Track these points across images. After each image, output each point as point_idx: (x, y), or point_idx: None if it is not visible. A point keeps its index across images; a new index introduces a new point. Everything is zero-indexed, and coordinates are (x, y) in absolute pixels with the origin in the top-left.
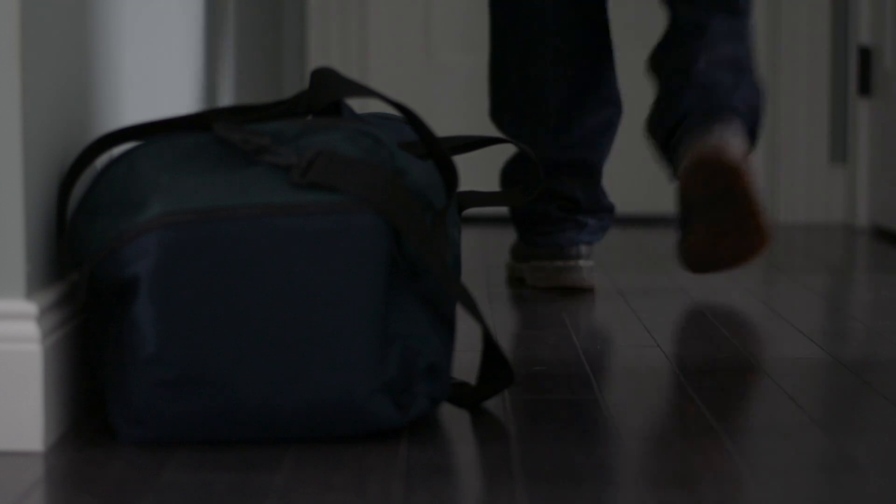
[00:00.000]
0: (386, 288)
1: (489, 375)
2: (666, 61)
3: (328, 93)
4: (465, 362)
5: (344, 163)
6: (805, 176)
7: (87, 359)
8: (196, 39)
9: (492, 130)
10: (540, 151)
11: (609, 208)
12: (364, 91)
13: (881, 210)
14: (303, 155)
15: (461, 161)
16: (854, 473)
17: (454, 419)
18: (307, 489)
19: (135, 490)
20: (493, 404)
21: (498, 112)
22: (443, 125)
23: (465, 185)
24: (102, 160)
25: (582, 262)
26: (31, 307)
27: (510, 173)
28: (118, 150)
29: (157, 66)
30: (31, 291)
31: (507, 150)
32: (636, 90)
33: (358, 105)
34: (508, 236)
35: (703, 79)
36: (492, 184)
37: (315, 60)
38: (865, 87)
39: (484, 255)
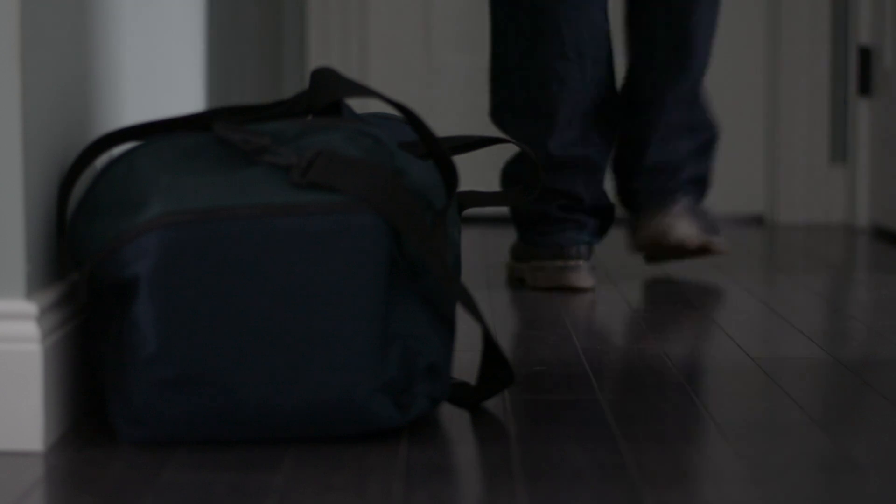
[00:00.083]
0: (386, 288)
1: (489, 375)
2: (623, 121)
3: (328, 93)
4: (465, 362)
5: (344, 163)
6: (805, 176)
7: (87, 359)
8: (196, 39)
9: (492, 130)
10: (541, 149)
11: (610, 208)
12: (364, 91)
13: (881, 210)
14: (303, 155)
15: (461, 161)
16: (854, 473)
17: (454, 419)
18: (307, 489)
19: (135, 490)
20: (493, 404)
21: (499, 112)
22: (443, 125)
23: (465, 185)
24: (102, 160)
25: (582, 263)
26: (31, 307)
27: (510, 173)
28: (118, 150)
29: (157, 66)
30: (31, 291)
31: (508, 150)
32: None
33: (358, 105)
34: (508, 236)
35: (655, 159)
36: (492, 184)
37: (315, 60)
38: (865, 87)
39: (484, 255)
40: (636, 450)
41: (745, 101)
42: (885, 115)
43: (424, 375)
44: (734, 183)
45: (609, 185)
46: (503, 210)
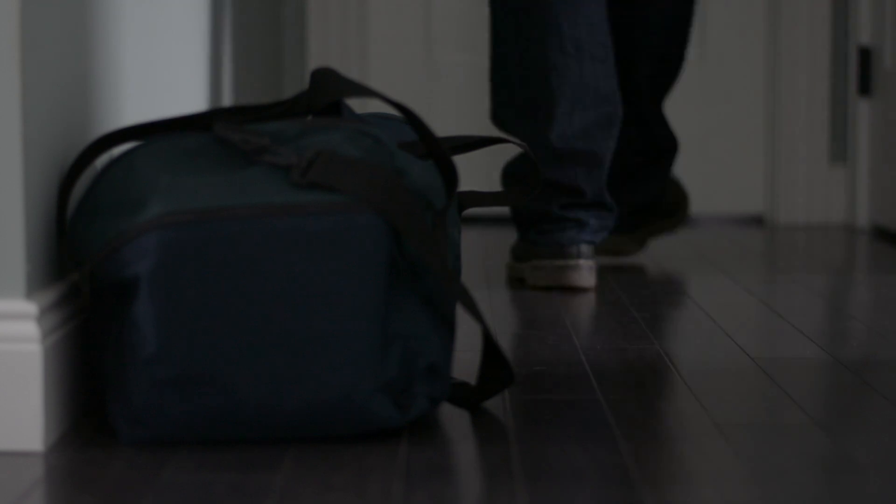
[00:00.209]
0: (386, 288)
1: (489, 375)
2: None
3: (328, 93)
4: (465, 362)
5: (344, 163)
6: (805, 176)
7: (87, 359)
8: (196, 40)
9: (492, 130)
10: (543, 143)
11: (611, 208)
12: (364, 91)
13: (881, 210)
14: (303, 155)
15: (461, 161)
16: (854, 473)
17: (454, 419)
18: (307, 489)
19: (135, 490)
20: (493, 404)
21: (500, 113)
22: (443, 125)
23: (465, 185)
24: (102, 160)
25: (582, 262)
26: (31, 307)
27: (511, 173)
28: (118, 150)
29: (157, 67)
30: (31, 291)
31: (508, 150)
32: None
33: (358, 105)
34: (508, 236)
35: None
36: (492, 184)
37: (315, 60)
38: (865, 87)
39: (484, 255)
40: (636, 450)
41: (745, 101)
42: (885, 115)
43: (424, 375)
44: (734, 183)
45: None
46: (503, 210)
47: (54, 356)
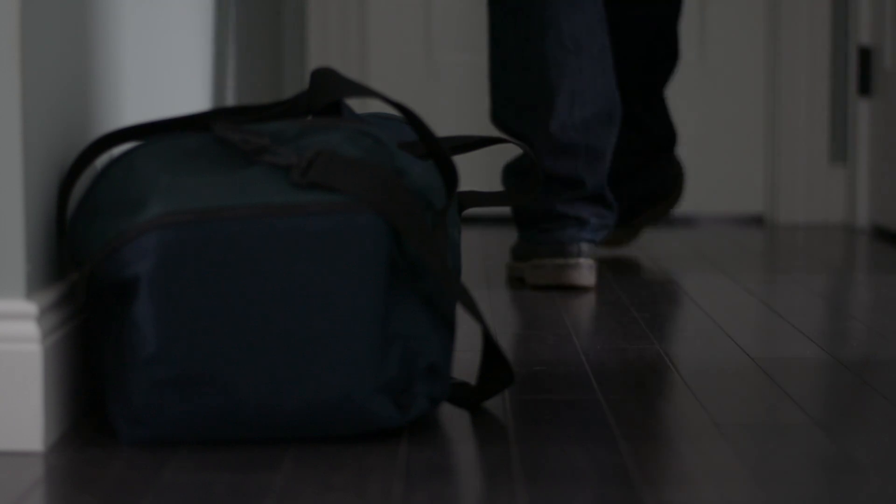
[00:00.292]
0: (386, 288)
1: (489, 375)
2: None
3: (328, 93)
4: (465, 362)
5: (344, 163)
6: (805, 176)
7: (87, 359)
8: (196, 40)
9: (492, 130)
10: (543, 137)
11: (611, 206)
12: (364, 91)
13: (881, 210)
14: (303, 155)
15: (461, 161)
16: (854, 473)
17: (454, 419)
18: (307, 489)
19: (135, 490)
20: (493, 404)
21: (499, 110)
22: (443, 125)
23: (465, 185)
24: (102, 160)
25: (583, 261)
26: (31, 307)
27: (512, 171)
28: (118, 150)
29: (157, 67)
30: (31, 291)
31: (508, 150)
32: None
33: (358, 105)
34: (508, 236)
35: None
36: (492, 184)
37: (315, 60)
38: (865, 87)
39: (484, 255)
40: (636, 450)
41: (745, 101)
42: (885, 115)
43: (424, 375)
44: (734, 183)
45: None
46: (503, 210)
47: (54, 356)
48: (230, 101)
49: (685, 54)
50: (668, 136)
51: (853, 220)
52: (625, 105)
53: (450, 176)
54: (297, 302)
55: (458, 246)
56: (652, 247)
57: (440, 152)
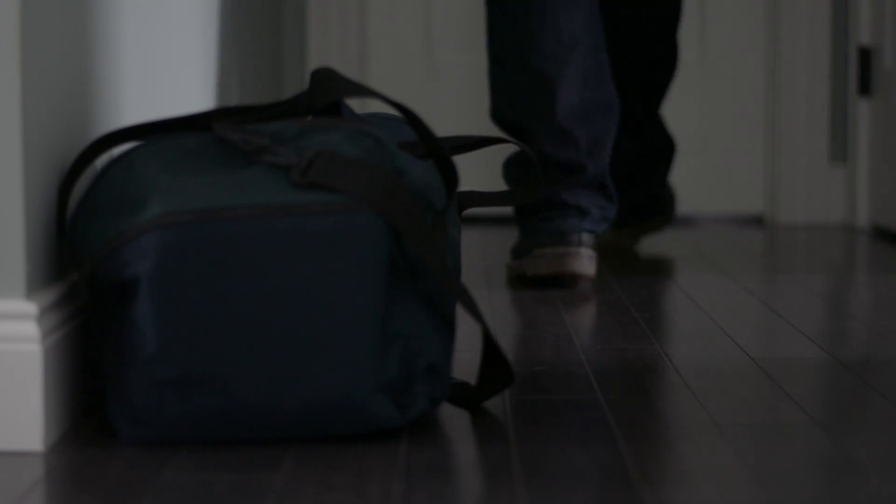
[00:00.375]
0: (386, 288)
1: (489, 375)
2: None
3: (328, 93)
4: (465, 362)
5: (344, 163)
6: (805, 176)
7: (87, 359)
8: (196, 40)
9: (492, 130)
10: (543, 124)
11: (612, 197)
12: (364, 91)
13: (881, 210)
14: (303, 155)
15: (461, 161)
16: (854, 473)
17: (454, 419)
18: (307, 489)
19: (135, 490)
20: (493, 404)
21: (499, 107)
22: (443, 125)
23: (465, 185)
24: (102, 160)
25: (583, 250)
26: (31, 307)
27: (513, 164)
28: (118, 150)
29: (157, 67)
30: (31, 291)
31: (508, 150)
32: None
33: (358, 105)
34: (508, 236)
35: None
36: (492, 184)
37: (315, 60)
38: (865, 87)
39: (484, 255)
40: (636, 450)
41: (745, 101)
42: (885, 115)
43: (424, 375)
44: (734, 183)
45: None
46: (503, 210)
47: (54, 356)
48: (230, 101)
49: (685, 54)
50: (667, 145)
51: (853, 220)
52: (625, 108)
53: (450, 176)
54: (297, 302)
55: (458, 246)
56: (652, 247)
57: (440, 152)
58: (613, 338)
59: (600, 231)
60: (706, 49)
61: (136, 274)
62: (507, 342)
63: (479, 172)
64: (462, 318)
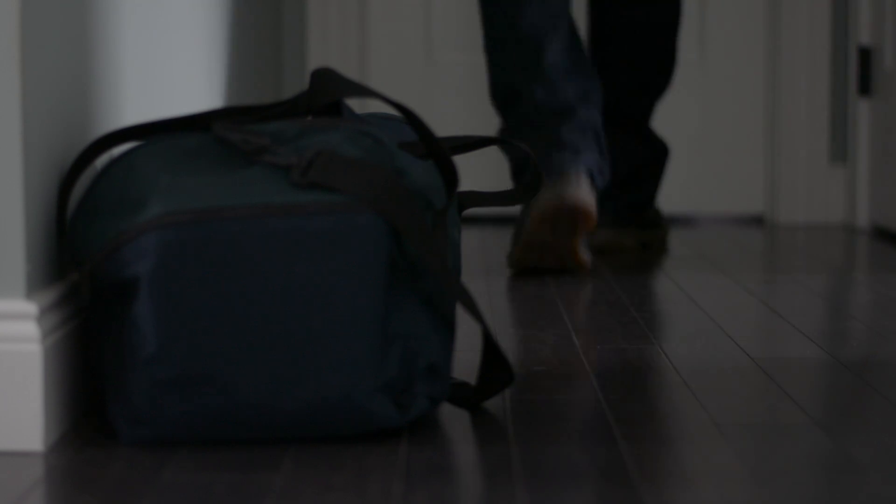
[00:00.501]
0: (386, 288)
1: (489, 375)
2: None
3: (328, 93)
4: (465, 362)
5: (344, 163)
6: (805, 176)
7: (87, 359)
8: (196, 40)
9: (492, 130)
10: (536, 78)
11: (604, 153)
12: (364, 91)
13: (881, 210)
14: (303, 155)
15: (461, 161)
16: (854, 473)
17: (454, 419)
18: (307, 489)
19: (135, 490)
20: (493, 404)
21: (493, 75)
22: (443, 125)
23: (465, 185)
24: (102, 160)
25: (583, 180)
26: (31, 307)
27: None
28: (118, 150)
29: (157, 67)
30: (31, 291)
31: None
32: None
33: (358, 105)
34: (508, 236)
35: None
36: (492, 184)
37: (315, 60)
38: (865, 87)
39: (484, 255)
40: (636, 450)
41: (745, 101)
42: (885, 115)
43: (424, 375)
44: (734, 183)
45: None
46: (503, 210)
47: (54, 356)
48: (230, 101)
49: (685, 54)
50: (660, 144)
51: (853, 220)
52: (624, 110)
53: (450, 176)
54: (297, 302)
55: (458, 246)
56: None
57: (440, 152)
58: (613, 338)
59: (597, 181)
60: (706, 49)
61: (136, 274)
62: (507, 342)
63: (479, 172)
64: (462, 318)
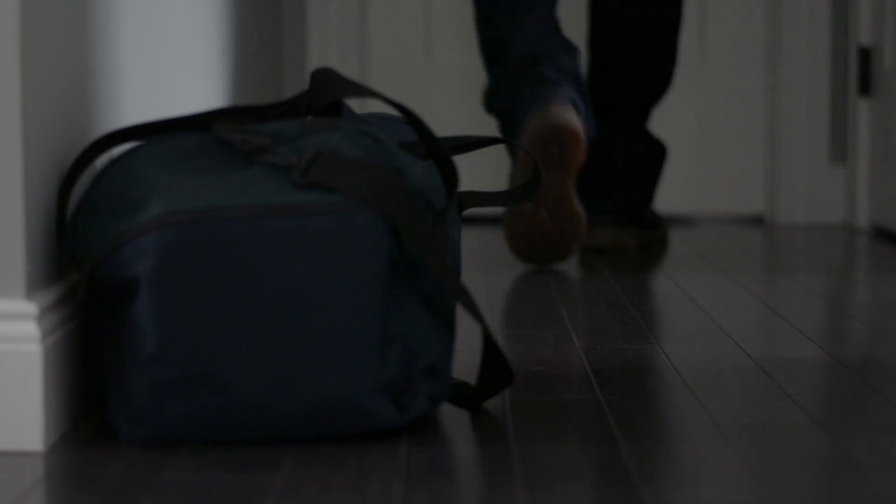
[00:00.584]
0: (386, 288)
1: (489, 375)
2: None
3: (328, 93)
4: (465, 362)
5: (344, 163)
6: (805, 176)
7: (87, 359)
8: (196, 40)
9: (492, 130)
10: (518, 33)
11: (587, 99)
12: (364, 91)
13: (881, 210)
14: (303, 155)
15: (461, 161)
16: (854, 473)
17: (454, 419)
18: (307, 489)
19: (135, 490)
20: (493, 404)
21: (481, 38)
22: (443, 125)
23: (465, 185)
24: (102, 160)
25: (569, 109)
26: (31, 307)
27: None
28: (118, 150)
29: (156, 67)
30: (31, 291)
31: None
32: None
33: (358, 105)
34: None
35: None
36: (492, 184)
37: (315, 60)
38: (865, 87)
39: (484, 255)
40: (636, 450)
41: (745, 101)
42: (885, 115)
43: (424, 375)
44: (734, 183)
45: None
46: (503, 210)
47: (54, 356)
48: (230, 101)
49: (685, 54)
50: (661, 147)
51: (853, 220)
52: (624, 110)
53: (450, 176)
54: (297, 302)
55: (458, 246)
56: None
57: (440, 152)
58: (613, 338)
59: (581, 114)
60: (706, 49)
61: (136, 274)
62: (507, 342)
63: (479, 172)
64: (462, 318)
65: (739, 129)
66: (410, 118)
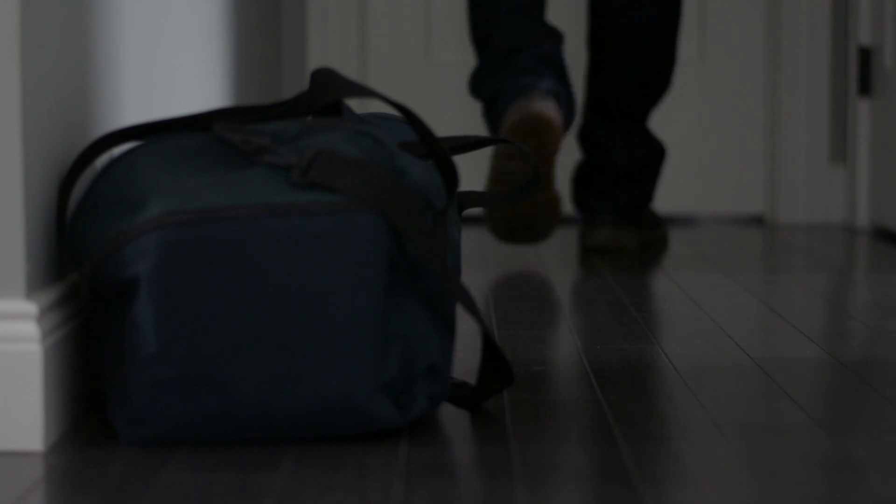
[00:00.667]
0: (386, 288)
1: (489, 375)
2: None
3: (328, 93)
4: (465, 362)
5: (344, 163)
6: (805, 176)
7: (87, 359)
8: (196, 39)
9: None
10: (501, 25)
11: (568, 82)
12: (364, 91)
13: (881, 210)
14: (303, 155)
15: (461, 161)
16: (854, 473)
17: (454, 419)
18: (307, 489)
19: (135, 490)
20: (493, 404)
21: (470, 24)
22: (443, 125)
23: (465, 185)
24: (102, 160)
25: (547, 100)
26: (31, 307)
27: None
28: (118, 150)
29: (157, 67)
30: (31, 291)
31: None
32: None
33: (358, 105)
34: None
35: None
36: None
37: (315, 60)
38: (865, 87)
39: (484, 254)
40: (636, 450)
41: (745, 101)
42: (885, 115)
43: (424, 375)
44: (734, 183)
45: None
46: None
47: (54, 356)
48: (230, 101)
49: (685, 54)
50: (660, 147)
51: (853, 220)
52: (624, 110)
53: (450, 176)
54: (297, 302)
55: (458, 246)
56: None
57: (440, 152)
58: (613, 338)
59: (563, 103)
60: (706, 49)
61: (136, 274)
62: (507, 342)
63: (479, 172)
64: (462, 318)
65: (739, 129)
66: (410, 118)
